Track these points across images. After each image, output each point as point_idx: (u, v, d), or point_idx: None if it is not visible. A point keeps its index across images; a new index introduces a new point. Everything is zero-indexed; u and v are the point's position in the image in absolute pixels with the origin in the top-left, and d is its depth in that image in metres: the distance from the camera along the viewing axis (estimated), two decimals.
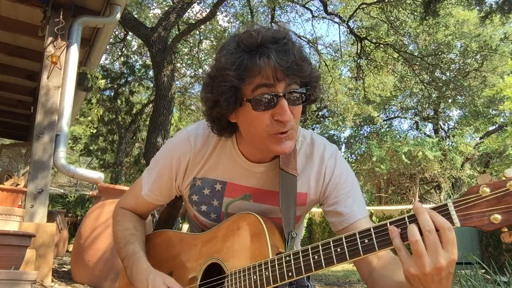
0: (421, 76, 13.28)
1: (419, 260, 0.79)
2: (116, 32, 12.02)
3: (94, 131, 12.99)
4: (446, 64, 13.82)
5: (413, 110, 20.94)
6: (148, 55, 10.19)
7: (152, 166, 1.25)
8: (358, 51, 11.10)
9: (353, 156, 19.02)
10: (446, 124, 20.87)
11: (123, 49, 13.55)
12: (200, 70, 13.84)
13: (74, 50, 4.04)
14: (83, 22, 4.18)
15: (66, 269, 4.56)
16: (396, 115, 21.55)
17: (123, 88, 12.77)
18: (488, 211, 0.78)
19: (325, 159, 1.18)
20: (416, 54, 12.98)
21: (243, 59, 0.96)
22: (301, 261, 0.92)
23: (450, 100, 18.25)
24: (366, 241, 0.86)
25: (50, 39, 3.89)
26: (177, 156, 1.18)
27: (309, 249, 0.92)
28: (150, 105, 12.29)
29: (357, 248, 0.86)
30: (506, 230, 0.77)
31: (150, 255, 1.22)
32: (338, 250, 0.88)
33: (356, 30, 11.74)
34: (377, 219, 9.95)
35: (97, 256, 3.63)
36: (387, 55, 11.90)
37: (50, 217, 5.46)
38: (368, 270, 1.09)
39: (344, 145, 21.11)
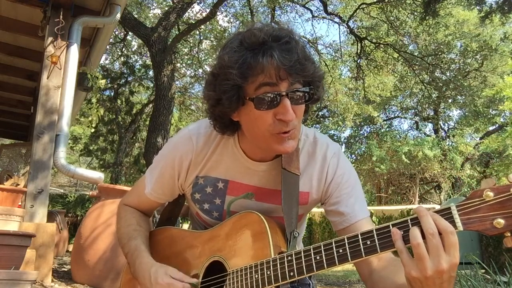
0: (421, 76, 13.28)
1: (421, 263, 0.79)
2: (116, 32, 12.03)
3: (93, 130, 12.99)
4: (446, 64, 13.81)
5: (413, 110, 20.95)
6: (148, 55, 10.21)
7: (155, 165, 1.25)
8: (358, 51, 11.10)
9: (353, 156, 19.01)
10: (446, 124, 20.89)
11: (123, 49, 13.56)
12: (200, 70, 13.87)
13: (74, 50, 4.04)
14: (83, 22, 4.17)
15: (66, 269, 4.55)
16: (396, 115, 21.57)
17: (123, 88, 12.78)
18: (491, 216, 0.77)
19: (328, 158, 1.17)
20: (416, 54, 12.97)
21: (246, 58, 0.95)
22: (303, 261, 0.92)
23: (450, 100, 18.25)
24: (368, 242, 0.85)
25: (50, 39, 3.89)
26: (179, 155, 1.18)
27: (311, 249, 0.92)
28: (150, 105, 12.31)
29: (359, 249, 0.86)
30: (509, 234, 0.76)
31: (153, 251, 1.22)
32: (340, 251, 0.88)
33: (356, 30, 11.75)
34: (377, 219, 9.95)
35: (97, 256, 3.63)
36: (387, 55, 11.90)
37: (50, 217, 5.45)
38: (368, 270, 1.09)
39: (344, 145, 21.09)
